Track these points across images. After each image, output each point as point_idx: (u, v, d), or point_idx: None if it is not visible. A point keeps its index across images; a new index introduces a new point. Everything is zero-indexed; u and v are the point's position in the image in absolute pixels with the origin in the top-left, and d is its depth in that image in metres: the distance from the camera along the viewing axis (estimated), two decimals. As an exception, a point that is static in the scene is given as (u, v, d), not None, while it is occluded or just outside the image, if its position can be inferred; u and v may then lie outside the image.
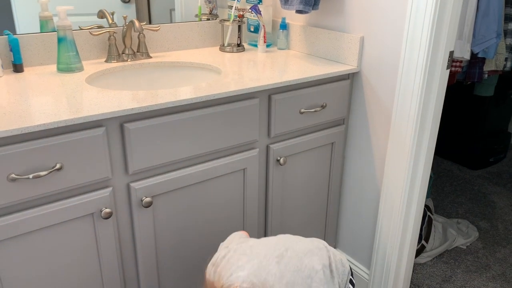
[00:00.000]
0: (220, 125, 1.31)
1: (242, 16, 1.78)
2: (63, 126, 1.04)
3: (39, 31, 1.48)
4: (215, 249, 1.20)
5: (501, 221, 2.39)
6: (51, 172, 1.04)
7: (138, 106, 1.12)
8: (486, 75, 2.21)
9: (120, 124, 1.14)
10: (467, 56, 1.94)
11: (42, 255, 1.12)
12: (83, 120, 1.05)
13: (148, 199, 1.22)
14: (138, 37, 1.61)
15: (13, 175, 0.99)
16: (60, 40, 1.40)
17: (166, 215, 1.31)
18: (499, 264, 2.04)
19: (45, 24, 1.50)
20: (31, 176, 1.01)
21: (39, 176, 1.02)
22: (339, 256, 1.16)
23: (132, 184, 1.20)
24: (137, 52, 1.61)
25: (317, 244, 1.14)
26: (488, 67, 2.18)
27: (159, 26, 1.65)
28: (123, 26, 1.57)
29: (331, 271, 1.09)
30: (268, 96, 1.41)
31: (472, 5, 1.87)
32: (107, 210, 1.15)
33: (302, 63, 1.62)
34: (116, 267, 1.25)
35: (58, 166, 1.04)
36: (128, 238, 1.26)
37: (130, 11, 1.66)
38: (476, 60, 2.12)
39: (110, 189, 1.16)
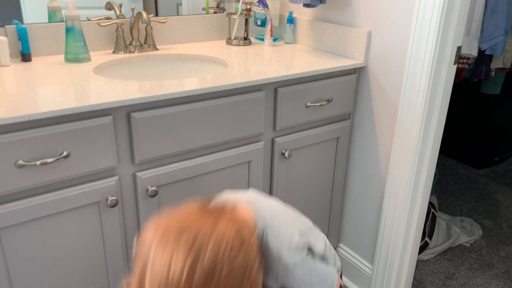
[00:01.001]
0: (226, 117, 1.31)
1: (249, 9, 1.78)
2: (71, 114, 1.05)
3: (47, 21, 1.49)
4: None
5: (505, 219, 2.38)
6: (58, 159, 1.04)
7: (145, 96, 1.13)
8: (494, 73, 2.20)
9: (127, 113, 1.14)
10: (474, 52, 1.94)
11: (48, 241, 1.13)
12: (90, 108, 1.05)
13: (153, 188, 1.22)
14: (146, 29, 1.61)
15: (20, 162, 1.00)
16: (68, 30, 1.40)
17: (172, 205, 1.31)
18: (502, 262, 2.04)
19: (53, 15, 1.51)
20: (38, 162, 1.02)
21: (46, 163, 1.03)
22: (334, 251, 1.15)
23: (138, 174, 1.21)
24: (144, 44, 1.62)
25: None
26: (496, 64, 2.18)
27: (166, 18, 1.65)
28: (130, 18, 1.58)
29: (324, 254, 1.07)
30: (274, 89, 1.41)
31: (481, 1, 1.86)
32: (113, 198, 1.16)
33: (309, 57, 1.62)
34: (120, 255, 1.25)
35: (65, 153, 1.05)
36: (133, 227, 1.26)
37: (137, 4, 1.67)
38: (483, 57, 2.11)
39: (116, 178, 1.17)
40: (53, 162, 1.04)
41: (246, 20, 1.78)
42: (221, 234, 0.72)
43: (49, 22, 1.50)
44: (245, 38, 1.80)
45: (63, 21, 1.45)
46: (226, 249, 0.71)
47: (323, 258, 0.94)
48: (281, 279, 0.85)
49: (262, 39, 1.85)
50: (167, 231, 0.73)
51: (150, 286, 0.70)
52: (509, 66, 2.22)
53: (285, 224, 0.89)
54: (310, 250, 0.91)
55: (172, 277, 0.68)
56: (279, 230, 0.86)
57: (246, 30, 1.80)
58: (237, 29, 1.78)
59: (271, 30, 1.75)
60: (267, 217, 0.86)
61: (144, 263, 0.72)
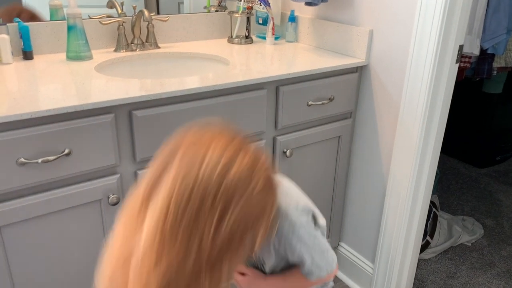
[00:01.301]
0: (227, 116, 1.31)
1: (251, 8, 1.78)
2: (72, 112, 1.05)
3: (49, 19, 1.49)
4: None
5: (507, 219, 2.38)
6: (59, 157, 1.05)
7: (146, 94, 1.12)
8: (495, 72, 2.20)
9: (128, 112, 1.14)
10: (476, 51, 1.93)
11: (49, 239, 1.13)
12: (92, 106, 1.05)
13: (155, 187, 1.22)
14: (147, 27, 1.61)
15: (22, 159, 1.00)
16: (70, 28, 1.41)
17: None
18: (504, 261, 2.04)
19: (55, 13, 1.51)
20: (40, 160, 1.02)
21: (48, 161, 1.03)
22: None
23: (139, 172, 1.20)
24: (146, 42, 1.62)
25: None
26: (498, 63, 2.17)
27: (168, 16, 1.65)
28: (132, 16, 1.58)
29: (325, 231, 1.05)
30: (276, 87, 1.41)
31: (483, 0, 1.86)
32: (115, 196, 1.16)
33: (310, 55, 1.62)
34: (122, 254, 1.25)
35: (66, 151, 1.05)
36: (134, 226, 1.26)
37: (139, 3, 1.67)
38: (485, 56, 2.11)
39: (117, 176, 1.17)
40: (54, 160, 1.04)
41: (248, 19, 1.78)
42: (256, 157, 0.66)
43: (51, 20, 1.50)
44: (247, 37, 1.79)
45: (65, 19, 1.45)
46: (264, 164, 0.65)
47: (323, 233, 0.93)
48: (285, 236, 0.82)
49: (264, 38, 1.84)
50: (202, 131, 0.66)
51: (173, 180, 0.59)
52: (511, 65, 2.22)
53: (293, 190, 0.88)
54: (314, 219, 0.90)
55: (205, 168, 0.59)
56: (287, 191, 0.84)
57: (248, 29, 1.79)
58: (238, 27, 1.78)
59: (272, 29, 1.75)
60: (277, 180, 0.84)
61: (167, 161, 0.62)
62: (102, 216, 1.18)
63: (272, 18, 1.74)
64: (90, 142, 1.09)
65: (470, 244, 2.15)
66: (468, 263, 2.02)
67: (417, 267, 1.91)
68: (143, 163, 1.22)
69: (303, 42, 1.81)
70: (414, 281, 1.81)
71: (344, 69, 1.55)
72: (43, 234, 1.11)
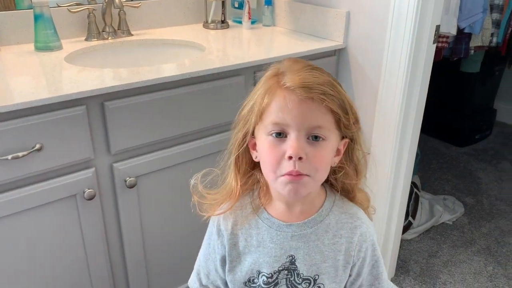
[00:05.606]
0: (205, 103, 1.28)
1: (226, -8, 1.74)
2: (42, 105, 1.01)
3: (14, 9, 1.43)
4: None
5: (486, 196, 2.41)
6: (30, 152, 1.01)
7: (119, 84, 1.09)
8: (473, 51, 2.21)
9: (101, 103, 1.10)
10: (453, 31, 1.93)
11: (22, 239, 1.09)
12: (62, 98, 1.02)
13: (132, 179, 1.19)
14: (119, 14, 1.56)
15: (-10, 157, 0.96)
16: (36, 17, 1.35)
17: (151, 195, 1.28)
18: (484, 238, 2.07)
19: (20, 1, 1.44)
20: (9, 157, 0.98)
21: (18, 157, 0.99)
22: None
23: (115, 165, 1.17)
24: (118, 29, 1.57)
25: None
26: (474, 42, 2.18)
27: (140, 2, 1.60)
28: (102, 3, 1.52)
29: None
30: (253, 73, 1.38)
31: (459, -21, 1.85)
32: (90, 191, 1.13)
33: (288, 39, 1.59)
34: (101, 250, 1.23)
35: (37, 146, 1.01)
36: (113, 220, 1.24)
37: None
38: (462, 36, 2.11)
39: (92, 169, 1.14)
40: (25, 155, 1.00)
41: (223, 3, 1.74)
42: None
43: (17, 9, 1.43)
44: (223, 21, 1.75)
45: (31, 8, 1.39)
46: None
47: None
48: (368, 256, 0.86)
49: (240, 22, 1.81)
50: None
51: None
52: (487, 44, 2.23)
53: None
54: None
55: None
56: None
57: (223, 13, 1.75)
58: (214, 12, 1.74)
59: (249, 13, 1.71)
60: None
61: None
62: (78, 211, 1.15)
63: (248, 1, 1.70)
64: (62, 136, 1.05)
65: (451, 223, 2.18)
66: (449, 242, 2.05)
67: (400, 247, 1.93)
68: (119, 155, 1.18)
69: (280, 26, 1.78)
70: (397, 261, 1.83)
71: (322, 52, 1.52)
72: (18, 232, 1.08)
